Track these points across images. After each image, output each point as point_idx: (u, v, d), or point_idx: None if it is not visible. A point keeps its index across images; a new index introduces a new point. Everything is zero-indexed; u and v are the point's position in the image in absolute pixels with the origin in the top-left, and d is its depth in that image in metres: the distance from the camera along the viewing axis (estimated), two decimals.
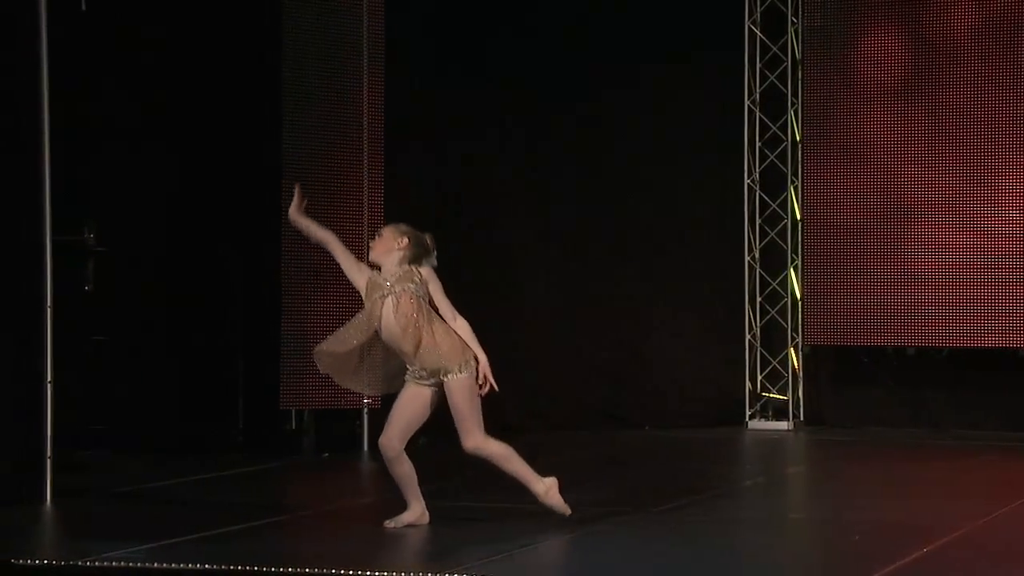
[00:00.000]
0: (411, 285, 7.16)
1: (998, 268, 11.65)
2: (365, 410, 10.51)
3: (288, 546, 6.91)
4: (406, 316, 7.07)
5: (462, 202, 11.88)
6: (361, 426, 10.52)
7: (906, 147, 11.91)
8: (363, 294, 7.23)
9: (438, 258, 7.35)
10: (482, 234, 11.97)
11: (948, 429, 11.83)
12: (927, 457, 10.53)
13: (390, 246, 7.25)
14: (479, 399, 7.13)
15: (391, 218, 10.70)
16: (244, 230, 10.40)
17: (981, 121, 11.71)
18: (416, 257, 7.25)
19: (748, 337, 12.37)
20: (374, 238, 7.37)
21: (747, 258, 12.38)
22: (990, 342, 11.66)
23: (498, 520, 7.30)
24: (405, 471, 7.18)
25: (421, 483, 7.38)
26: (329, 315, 10.33)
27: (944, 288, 11.75)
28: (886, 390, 12.20)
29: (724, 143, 12.38)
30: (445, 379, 7.14)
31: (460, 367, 7.11)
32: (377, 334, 7.16)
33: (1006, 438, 11.36)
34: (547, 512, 7.09)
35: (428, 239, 7.34)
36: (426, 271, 7.25)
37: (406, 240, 7.26)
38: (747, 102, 12.38)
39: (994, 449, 10.79)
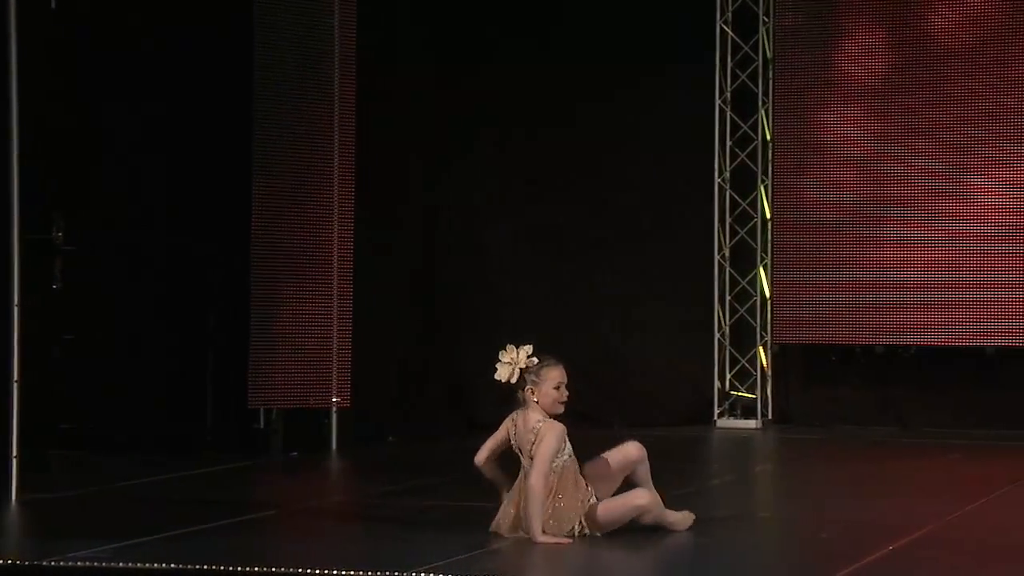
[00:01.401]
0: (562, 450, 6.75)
1: (965, 267, 11.71)
2: (333, 409, 10.50)
3: (256, 545, 6.90)
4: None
5: (439, 201, 11.89)
6: (329, 425, 10.50)
7: (876, 147, 11.96)
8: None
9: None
10: (460, 233, 11.99)
11: (916, 427, 11.89)
12: (895, 455, 10.57)
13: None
14: None
15: (364, 220, 10.76)
16: (214, 228, 10.37)
17: (950, 119, 11.77)
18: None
19: (717, 336, 12.41)
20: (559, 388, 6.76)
21: (717, 257, 12.41)
22: (957, 340, 11.72)
23: (473, 520, 7.30)
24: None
25: (401, 481, 7.29)
26: (298, 313, 10.33)
27: (912, 287, 11.81)
28: (854, 389, 12.24)
29: (695, 142, 12.41)
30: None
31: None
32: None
33: (973, 436, 11.41)
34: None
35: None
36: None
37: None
38: (718, 101, 12.41)
39: (961, 447, 10.83)
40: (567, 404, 6.80)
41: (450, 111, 11.82)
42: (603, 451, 6.88)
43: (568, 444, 6.81)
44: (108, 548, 6.48)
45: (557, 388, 6.81)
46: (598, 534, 6.73)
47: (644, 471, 6.82)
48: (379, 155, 11.09)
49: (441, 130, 11.80)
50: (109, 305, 10.12)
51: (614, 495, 6.78)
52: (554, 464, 6.70)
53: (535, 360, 6.84)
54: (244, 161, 10.19)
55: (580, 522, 6.69)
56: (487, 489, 7.10)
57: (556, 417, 6.79)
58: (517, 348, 6.87)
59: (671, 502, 6.99)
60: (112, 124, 10.13)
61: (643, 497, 6.65)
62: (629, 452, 6.78)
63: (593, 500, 6.73)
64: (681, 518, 6.83)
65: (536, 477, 6.62)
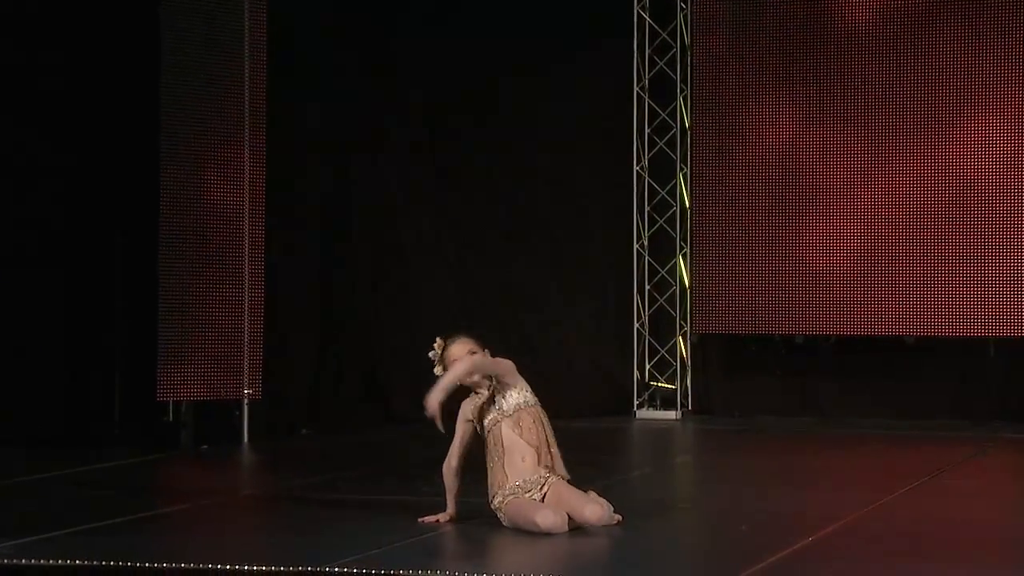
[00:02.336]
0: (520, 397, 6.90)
1: (884, 257, 11.81)
2: (245, 401, 10.44)
3: (166, 541, 6.83)
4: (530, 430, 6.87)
5: (351, 192, 11.83)
6: (240, 417, 10.44)
7: (796, 135, 12.03)
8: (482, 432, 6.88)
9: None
10: (373, 225, 11.93)
11: (836, 417, 11.98)
12: (815, 446, 10.64)
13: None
14: None
15: (275, 209, 10.69)
16: (121, 219, 10.26)
17: (870, 108, 11.86)
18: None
19: (636, 326, 12.44)
20: (440, 363, 6.94)
21: (636, 246, 12.44)
22: (877, 330, 11.82)
23: (390, 513, 7.27)
24: None
25: (315, 474, 7.26)
26: (208, 303, 10.25)
27: (831, 276, 11.89)
28: (774, 379, 12.32)
29: (613, 130, 12.43)
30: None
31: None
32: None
33: (892, 426, 11.52)
34: (434, 507, 7.08)
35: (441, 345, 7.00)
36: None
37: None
38: (636, 88, 12.43)
39: (880, 437, 10.94)
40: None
41: (358, 100, 11.74)
42: (587, 489, 6.93)
43: (527, 389, 6.92)
44: (10, 544, 6.39)
45: (467, 350, 6.99)
46: (504, 522, 6.79)
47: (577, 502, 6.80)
48: (291, 142, 11.01)
49: (350, 119, 11.73)
50: (7, 293, 9.97)
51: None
52: (515, 403, 6.83)
53: (438, 351, 7.01)
54: (151, 145, 10.09)
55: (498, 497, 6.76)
56: (416, 485, 7.08)
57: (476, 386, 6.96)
58: (439, 346, 7.01)
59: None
60: (16, 113, 9.98)
61: (547, 520, 6.65)
62: (587, 515, 6.75)
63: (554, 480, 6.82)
64: (596, 514, 6.80)
65: (478, 360, 6.81)
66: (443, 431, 6.80)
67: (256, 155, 10.48)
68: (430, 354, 7.04)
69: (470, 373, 6.89)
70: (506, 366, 6.98)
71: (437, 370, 7.01)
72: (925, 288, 11.70)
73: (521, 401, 6.94)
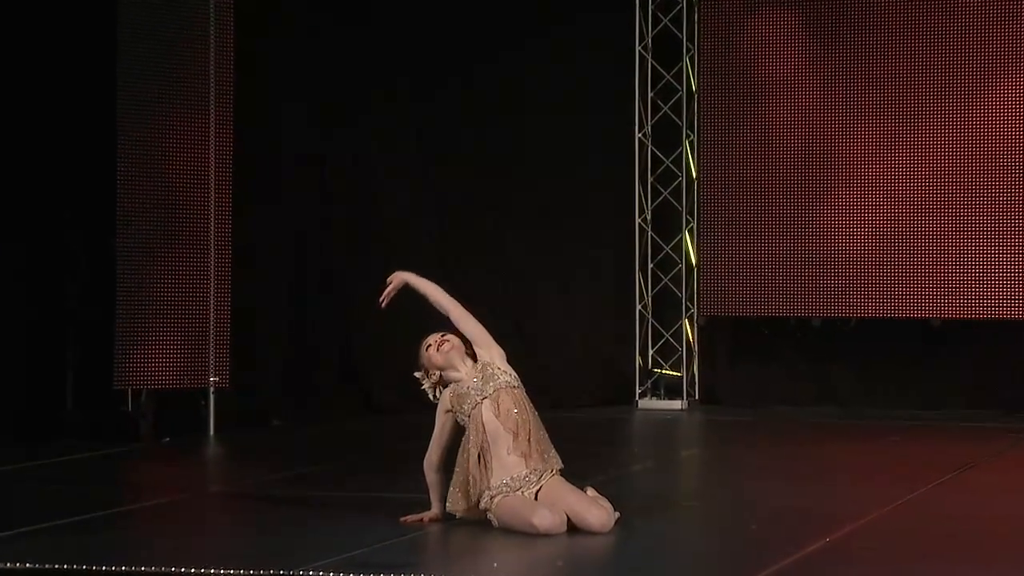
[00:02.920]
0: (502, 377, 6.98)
1: (910, 232, 11.82)
2: (211, 389, 10.46)
3: (123, 543, 6.86)
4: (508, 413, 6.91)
5: (329, 167, 11.83)
6: (206, 407, 10.46)
7: (814, 98, 12.01)
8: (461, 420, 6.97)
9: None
10: (352, 202, 11.94)
11: (856, 408, 12.01)
12: (833, 438, 10.67)
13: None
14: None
15: (244, 185, 10.70)
16: (75, 200, 10.28)
17: (895, 69, 11.84)
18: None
19: (639, 308, 12.46)
20: (430, 348, 7.07)
21: (638, 220, 12.45)
22: (901, 312, 11.85)
23: (368, 511, 7.30)
24: None
25: (284, 469, 7.27)
26: (171, 284, 10.27)
27: (852, 254, 11.91)
28: (789, 366, 12.35)
29: (613, 93, 12.43)
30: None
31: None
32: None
33: (917, 416, 11.55)
34: (421, 504, 7.11)
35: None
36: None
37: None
38: (638, 48, 12.43)
39: (905, 429, 10.96)
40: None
41: (337, 69, 11.74)
42: (586, 487, 6.97)
43: (508, 370, 7.00)
44: None
45: (427, 349, 7.09)
46: (494, 524, 6.82)
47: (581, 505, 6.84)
48: (260, 113, 11.02)
49: (325, 86, 11.74)
50: None
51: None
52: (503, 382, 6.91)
53: (420, 369, 7.14)
54: (107, 116, 10.10)
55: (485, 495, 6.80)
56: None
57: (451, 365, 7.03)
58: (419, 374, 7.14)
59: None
60: None
61: (544, 521, 6.67)
62: (590, 521, 6.78)
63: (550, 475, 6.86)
64: (600, 521, 6.83)
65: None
66: (381, 306, 7.11)
67: (222, 127, 10.49)
68: (417, 374, 7.11)
69: (435, 295, 7.12)
70: (478, 328, 7.07)
71: (420, 377, 7.08)
72: (954, 267, 11.72)
73: (502, 382, 6.96)
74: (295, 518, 7.26)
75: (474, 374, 7.01)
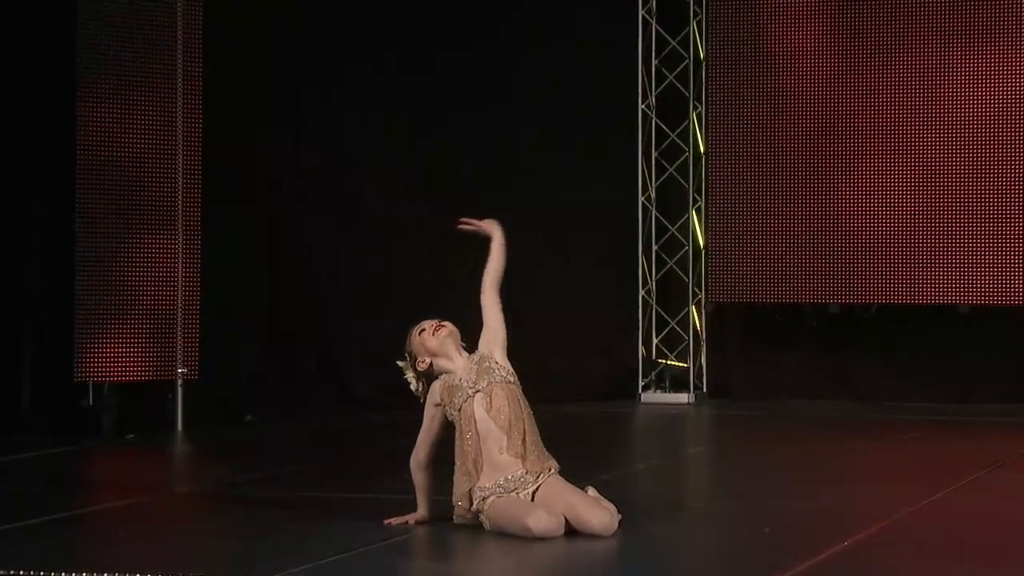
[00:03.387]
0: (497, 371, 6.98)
1: (935, 212, 11.81)
2: (179, 382, 10.46)
3: (85, 547, 6.86)
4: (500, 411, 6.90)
5: (303, 144, 11.82)
6: (174, 401, 10.47)
7: (830, 67, 12.00)
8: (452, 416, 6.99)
9: None
10: (330, 181, 11.93)
11: (877, 401, 12.03)
12: (852, 435, 10.69)
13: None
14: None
15: (217, 161, 10.69)
16: (32, 177, 10.27)
17: (920, 37, 11.83)
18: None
19: (642, 293, 12.46)
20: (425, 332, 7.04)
21: (641, 199, 12.45)
22: (925, 298, 11.85)
23: (347, 514, 7.31)
24: None
25: (257, 468, 7.23)
26: (136, 273, 10.27)
27: (872, 235, 11.91)
28: (804, 356, 12.35)
29: (615, 62, 12.43)
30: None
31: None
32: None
33: (943, 411, 11.56)
34: (407, 505, 7.11)
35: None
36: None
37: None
38: (641, 11, 12.42)
39: (929, 424, 10.98)
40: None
41: (316, 37, 11.72)
42: (587, 487, 6.96)
43: (505, 366, 7.03)
44: None
45: (420, 333, 7.04)
46: (486, 526, 6.81)
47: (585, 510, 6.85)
48: (232, 89, 11.00)
49: (302, 54, 11.72)
50: None
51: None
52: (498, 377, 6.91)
53: (407, 355, 7.09)
54: (67, 95, 10.08)
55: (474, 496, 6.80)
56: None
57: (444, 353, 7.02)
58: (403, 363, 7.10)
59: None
60: None
61: (540, 524, 6.66)
62: (592, 523, 6.76)
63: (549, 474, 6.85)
64: (603, 523, 6.82)
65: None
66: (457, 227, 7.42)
67: (190, 108, 10.48)
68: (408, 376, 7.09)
69: (498, 265, 7.51)
70: (499, 316, 7.22)
71: (404, 366, 7.06)
72: (982, 250, 11.72)
73: (497, 376, 6.95)
74: (270, 521, 7.25)
75: (468, 366, 6.99)
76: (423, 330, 7.07)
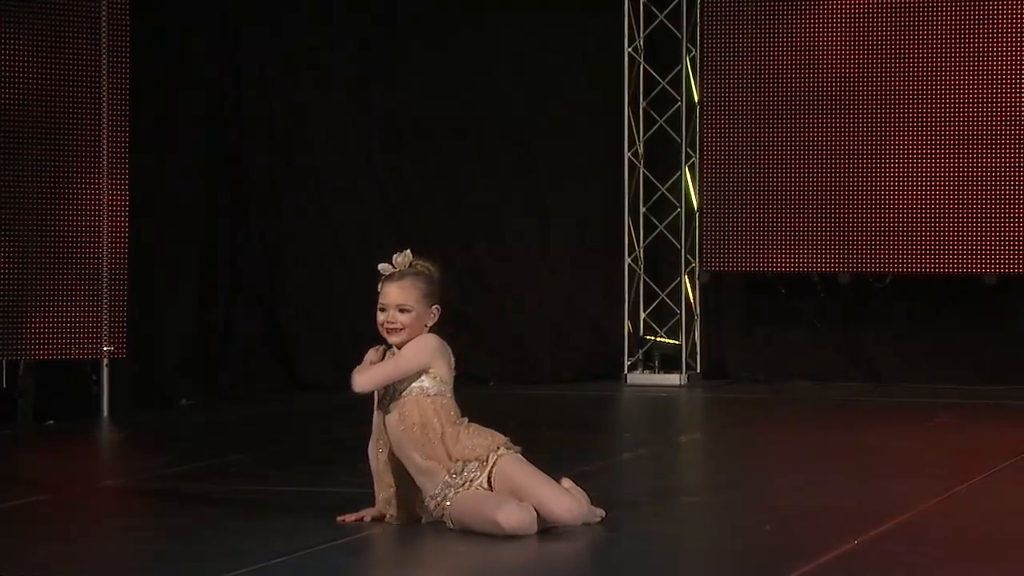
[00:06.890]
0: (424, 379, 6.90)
1: (957, 173, 11.81)
2: (104, 361, 10.45)
3: None
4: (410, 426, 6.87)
5: (243, 89, 11.81)
6: (99, 383, 10.46)
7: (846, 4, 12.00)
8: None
9: None
10: (283, 134, 11.95)
11: (892, 382, 12.06)
12: (865, 420, 10.72)
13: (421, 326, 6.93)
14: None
15: (147, 109, 10.66)
16: None
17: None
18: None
19: (628, 261, 12.47)
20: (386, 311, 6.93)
21: (627, 154, 12.45)
22: (947, 267, 11.86)
23: (292, 509, 7.31)
24: None
25: (193, 458, 7.24)
26: (56, 241, 10.27)
27: (887, 196, 11.91)
28: (811, 332, 12.38)
29: None
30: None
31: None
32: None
33: (967, 393, 11.60)
34: (362, 499, 7.12)
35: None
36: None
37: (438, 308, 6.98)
38: None
39: (951, 408, 11.01)
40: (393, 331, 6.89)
41: None
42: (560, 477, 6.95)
43: (442, 376, 6.92)
44: None
45: (382, 311, 6.95)
46: (450, 525, 6.82)
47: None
48: (160, 36, 10.98)
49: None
50: None
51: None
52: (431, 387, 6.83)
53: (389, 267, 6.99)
54: None
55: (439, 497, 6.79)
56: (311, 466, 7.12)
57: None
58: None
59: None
60: None
61: (511, 519, 6.65)
62: (557, 512, 6.76)
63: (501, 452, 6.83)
64: (569, 510, 6.82)
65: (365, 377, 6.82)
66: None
67: (115, 57, 10.45)
68: (380, 266, 6.97)
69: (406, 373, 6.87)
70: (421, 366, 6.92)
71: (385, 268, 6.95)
72: (1011, 212, 11.73)
73: (414, 388, 6.89)
74: (207, 518, 7.24)
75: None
76: (382, 310, 6.98)
